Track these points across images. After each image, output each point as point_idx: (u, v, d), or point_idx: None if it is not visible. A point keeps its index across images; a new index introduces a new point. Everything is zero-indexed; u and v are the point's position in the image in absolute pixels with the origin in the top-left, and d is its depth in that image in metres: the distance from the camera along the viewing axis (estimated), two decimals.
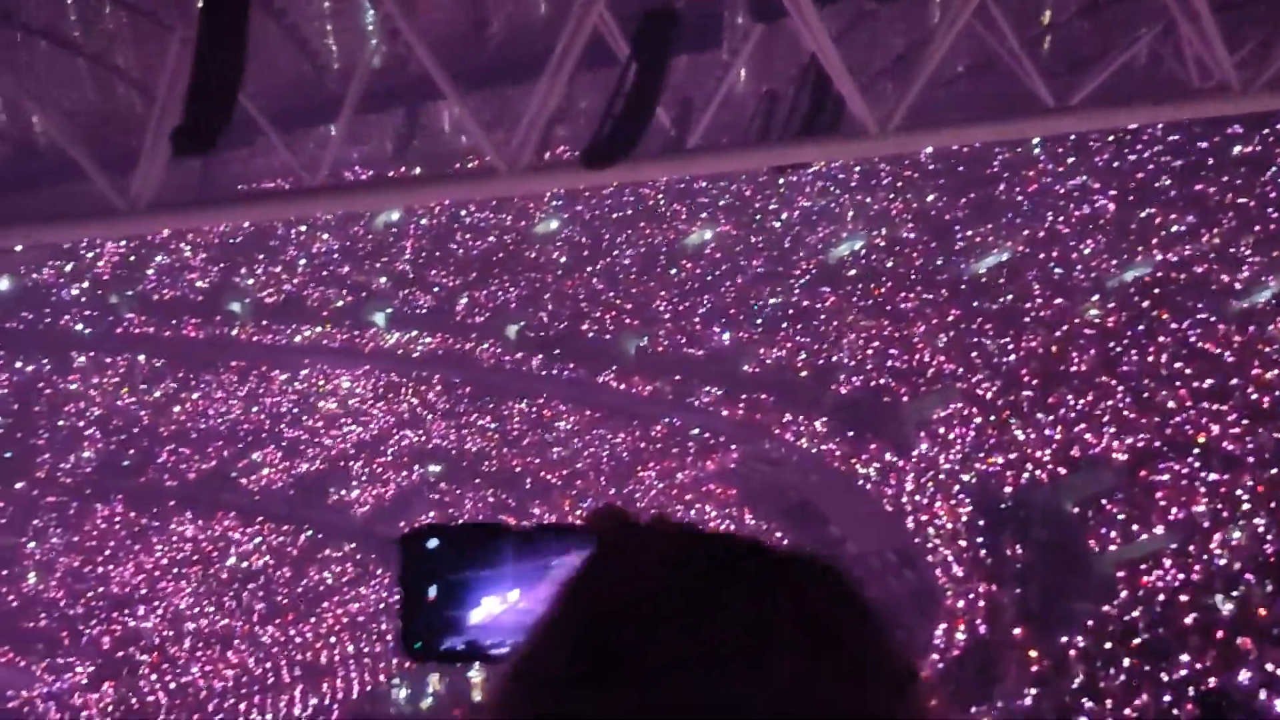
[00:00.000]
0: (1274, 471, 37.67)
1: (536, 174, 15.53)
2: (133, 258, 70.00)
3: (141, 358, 68.01)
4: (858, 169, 62.63)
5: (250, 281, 69.66)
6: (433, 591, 1.50)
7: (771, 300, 61.47)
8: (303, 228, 68.82)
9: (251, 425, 65.18)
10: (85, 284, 69.84)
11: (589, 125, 14.57)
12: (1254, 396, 41.75)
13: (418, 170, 35.84)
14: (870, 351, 56.30)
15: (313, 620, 55.64)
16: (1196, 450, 40.90)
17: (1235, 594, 32.54)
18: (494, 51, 26.43)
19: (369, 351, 66.54)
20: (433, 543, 1.51)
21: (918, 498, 47.95)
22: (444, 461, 61.66)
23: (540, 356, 63.82)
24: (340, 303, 68.27)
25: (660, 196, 67.34)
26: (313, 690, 51.66)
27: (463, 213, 69.08)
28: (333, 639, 54.12)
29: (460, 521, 1.53)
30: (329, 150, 15.71)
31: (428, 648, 1.50)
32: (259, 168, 33.23)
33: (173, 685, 54.03)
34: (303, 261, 69.92)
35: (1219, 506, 38.02)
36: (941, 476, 47.92)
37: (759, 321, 60.96)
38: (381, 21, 19.17)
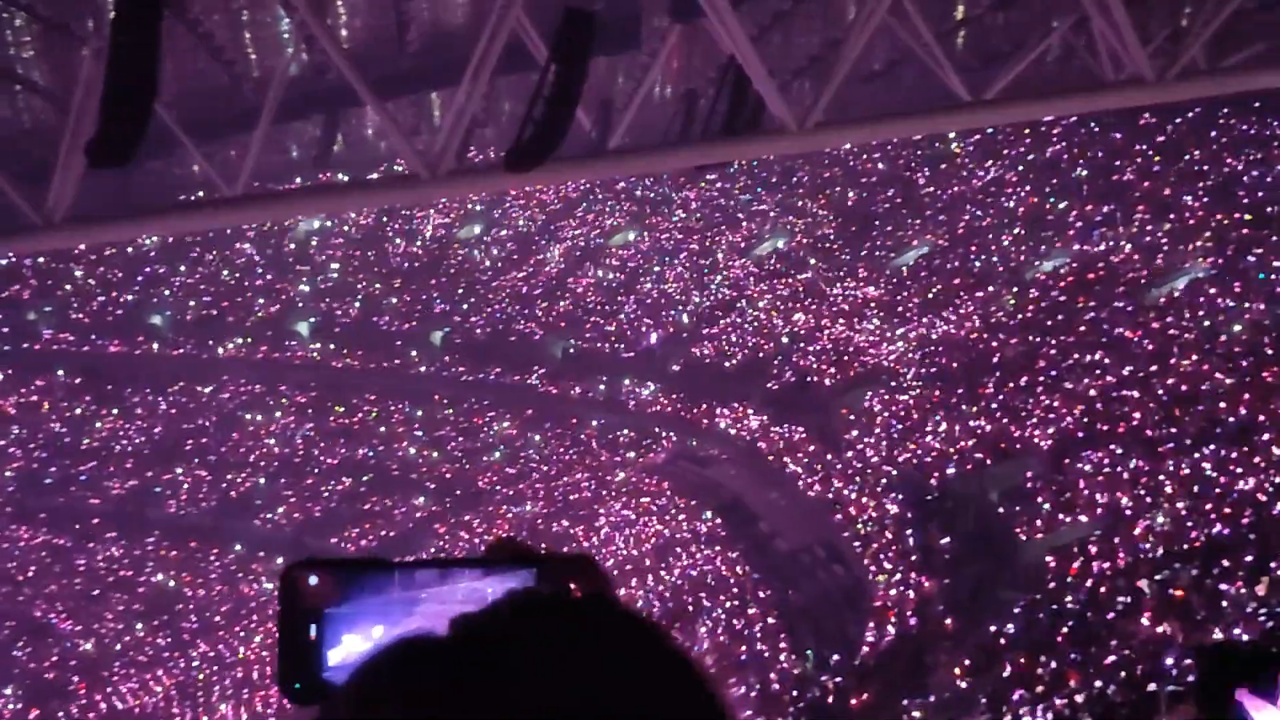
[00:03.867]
0: (1195, 457, 38.23)
1: (458, 178, 15.48)
2: (50, 272, 69.04)
3: (61, 374, 67.07)
4: (779, 167, 63.00)
5: (170, 295, 68.92)
6: (313, 630, 1.46)
7: (697, 298, 61.68)
8: (223, 238, 68.15)
9: (175, 441, 64.47)
10: (1, 300, 68.80)
11: (510, 128, 14.55)
12: (1172, 383, 42.37)
13: (340, 177, 35.66)
14: (797, 346, 56.65)
15: (243, 636, 55.11)
16: (1118, 438, 41.44)
17: (1160, 579, 32.99)
18: (413, 56, 26.34)
19: (293, 363, 66.03)
20: (314, 579, 1.47)
21: (846, 491, 48.27)
22: (372, 472, 61.31)
23: (468, 362, 63.64)
24: (263, 314, 67.70)
25: (583, 198, 67.39)
26: (245, 707, 51.17)
27: (385, 219, 68.75)
28: (265, 654, 53.61)
29: (345, 557, 1.48)
30: (248, 159, 15.58)
31: (306, 688, 1.46)
32: (177, 178, 32.95)
33: (104, 707, 53.37)
34: (224, 273, 69.28)
35: (1142, 493, 38.53)
36: (869, 470, 48.27)
37: (686, 319, 61.16)
38: (297, 29, 19.06)
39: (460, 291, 66.46)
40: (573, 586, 1.42)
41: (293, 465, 62.51)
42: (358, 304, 67.35)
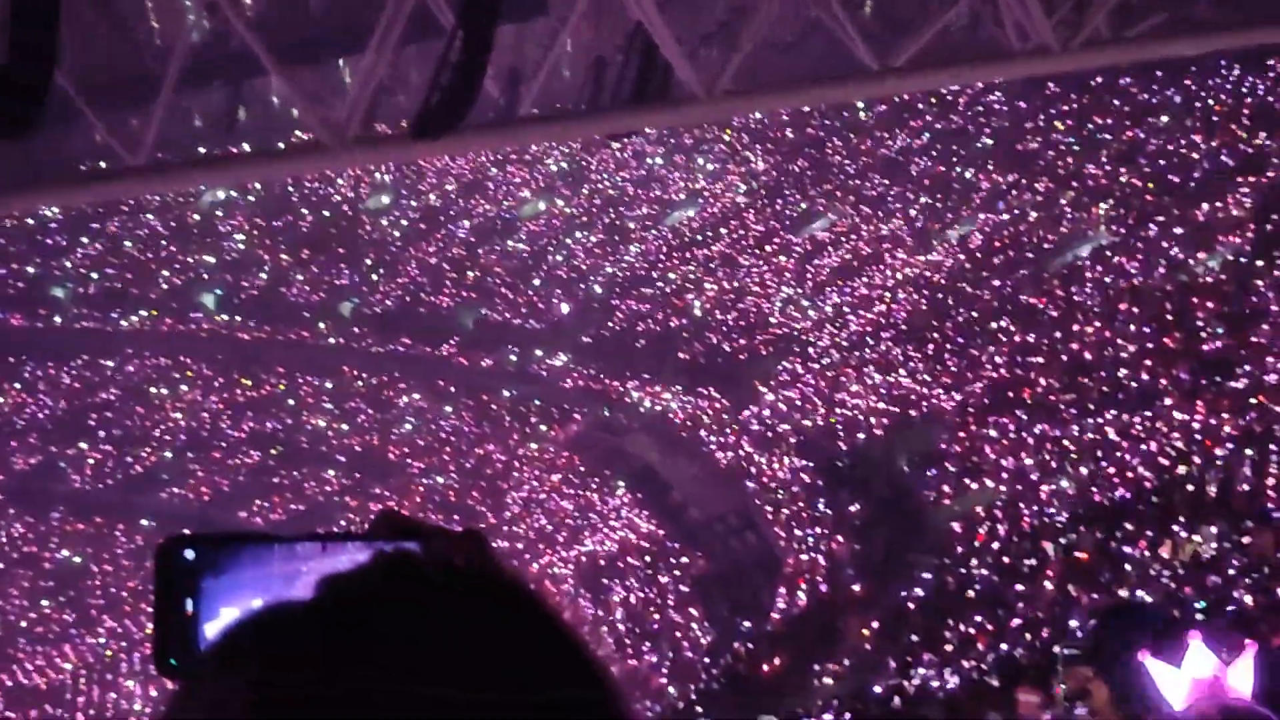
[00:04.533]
0: (1099, 421, 38.84)
1: (366, 147, 15.34)
2: None
3: None
4: (689, 137, 63.04)
5: (72, 267, 67.78)
6: (189, 605, 1.41)
7: (609, 268, 61.65)
8: (126, 209, 67.08)
9: (79, 415, 63.50)
10: None
11: (418, 97, 14.43)
12: (1076, 349, 42.99)
13: (244, 147, 35.22)
14: (709, 316, 56.83)
15: (151, 612, 54.43)
16: (1023, 403, 42.01)
17: (1064, 543, 33.51)
18: (318, 23, 26.05)
19: (199, 336, 65.22)
20: (190, 553, 1.43)
21: (758, 459, 48.58)
22: (281, 445, 60.77)
23: (377, 333, 63.21)
24: (167, 286, 66.78)
25: (492, 167, 67.05)
26: (154, 683, 50.65)
27: (292, 189, 68.01)
28: None
29: (223, 531, 1.45)
30: (150, 128, 15.33)
31: (182, 664, 1.40)
32: (78, 148, 32.30)
33: (9, 684, 52.61)
34: (127, 245, 68.23)
35: (1047, 458, 39.10)
36: (780, 437, 48.59)
37: (597, 290, 61.12)
38: None
39: (369, 263, 65.94)
40: (456, 560, 1.38)
41: (200, 439, 61.82)
42: (264, 275, 66.61)
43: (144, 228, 68.47)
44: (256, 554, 1.42)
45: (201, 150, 36.18)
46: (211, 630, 1.40)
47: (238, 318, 65.41)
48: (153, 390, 63.89)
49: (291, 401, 62.43)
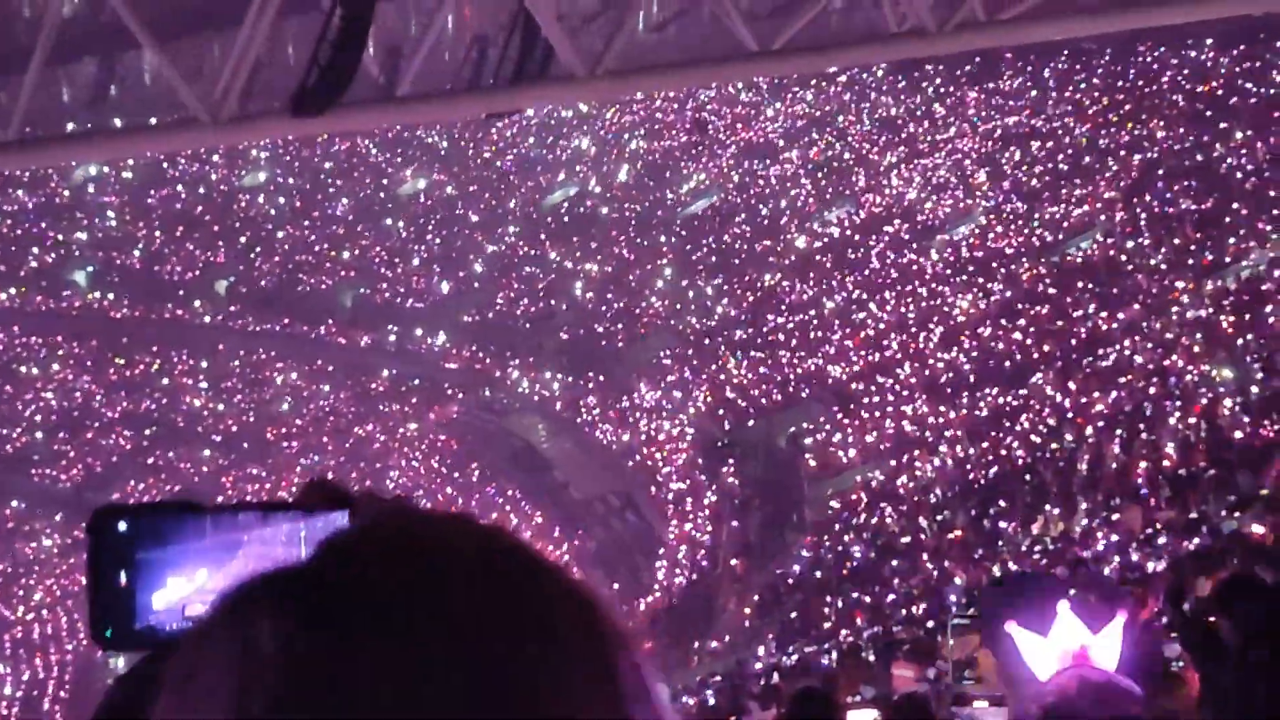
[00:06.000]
0: (974, 398, 39.48)
1: (241, 124, 15.09)
2: None
3: None
4: (570, 115, 62.92)
5: None
6: (123, 576, 1.43)
7: (490, 248, 61.39)
8: None
9: None
10: None
11: (296, 74, 14.24)
12: (954, 324, 43.64)
13: (116, 122, 34.57)
14: (589, 296, 56.82)
15: (22, 595, 53.44)
16: (900, 379, 42.57)
17: (940, 519, 34.04)
18: None
19: (70, 313, 63.88)
20: (123, 525, 1.43)
21: (639, 439, 48.72)
22: (156, 425, 59.78)
23: (254, 312, 62.37)
24: (37, 264, 65.31)
25: (371, 146, 66.41)
26: (25, 666, 49.68)
27: (166, 166, 66.79)
28: (45, 613, 52.07)
29: (154, 500, 1.47)
30: (20, 102, 14.97)
31: (119, 635, 1.44)
32: None
33: None
34: None
35: (923, 434, 39.67)
36: (661, 418, 48.76)
37: (478, 270, 60.84)
38: None
39: (245, 241, 64.99)
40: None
41: (72, 419, 60.58)
42: (138, 253, 65.40)
43: (13, 203, 66.83)
44: (195, 524, 1.43)
45: (72, 125, 35.48)
46: (158, 599, 1.42)
47: (110, 295, 64.17)
48: (23, 369, 62.48)
49: (166, 381, 61.41)
